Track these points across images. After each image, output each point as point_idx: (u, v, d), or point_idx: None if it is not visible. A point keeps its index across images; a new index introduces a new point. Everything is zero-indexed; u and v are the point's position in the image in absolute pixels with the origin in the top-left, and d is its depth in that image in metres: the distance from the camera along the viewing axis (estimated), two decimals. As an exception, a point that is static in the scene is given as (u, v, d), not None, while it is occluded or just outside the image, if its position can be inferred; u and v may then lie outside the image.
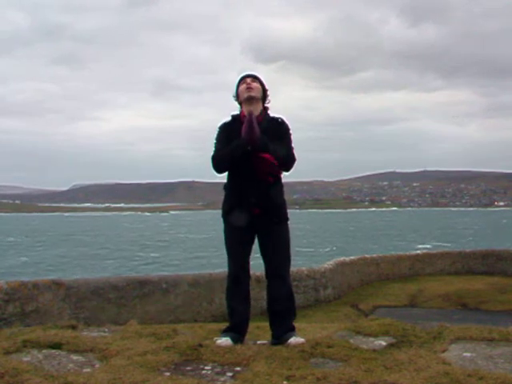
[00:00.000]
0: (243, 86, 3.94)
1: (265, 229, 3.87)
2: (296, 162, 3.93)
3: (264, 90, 4.01)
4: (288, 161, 3.88)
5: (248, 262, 3.94)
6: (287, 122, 3.99)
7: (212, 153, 3.92)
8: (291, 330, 3.87)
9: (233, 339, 3.75)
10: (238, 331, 3.86)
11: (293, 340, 3.72)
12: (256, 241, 3.96)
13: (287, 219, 3.98)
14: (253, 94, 3.91)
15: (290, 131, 3.98)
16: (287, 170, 3.93)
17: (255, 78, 3.99)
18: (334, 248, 55.38)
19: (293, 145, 3.95)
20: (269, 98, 4.04)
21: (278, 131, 3.88)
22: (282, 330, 3.85)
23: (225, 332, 3.86)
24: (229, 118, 4.01)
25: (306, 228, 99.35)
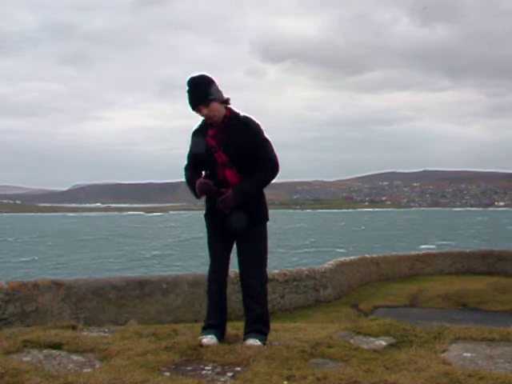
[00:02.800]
0: (202, 115, 3.75)
1: (241, 232, 3.82)
2: (279, 164, 3.83)
3: (218, 96, 3.74)
4: (271, 175, 3.80)
5: (228, 260, 3.93)
6: (256, 121, 3.82)
7: (185, 161, 3.93)
8: (257, 332, 3.79)
9: (217, 336, 3.76)
10: (221, 328, 3.87)
11: (249, 341, 3.71)
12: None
13: (264, 220, 3.91)
14: (215, 119, 3.75)
15: (262, 132, 3.79)
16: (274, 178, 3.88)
17: (205, 105, 3.68)
18: (345, 249, 55.09)
19: (272, 146, 3.80)
20: (226, 96, 3.80)
21: (246, 135, 3.73)
22: (248, 330, 3.83)
23: (207, 329, 3.82)
24: (200, 122, 3.90)
25: (312, 227, 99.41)
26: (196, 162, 3.89)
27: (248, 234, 3.84)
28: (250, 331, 3.80)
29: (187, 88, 3.73)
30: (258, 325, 3.82)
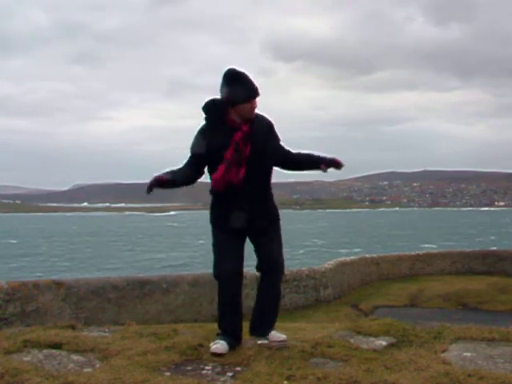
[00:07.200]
0: (249, 108, 3.69)
1: (258, 229, 3.80)
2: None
3: None
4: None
5: (243, 264, 3.85)
6: (269, 118, 3.88)
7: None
8: (272, 328, 3.83)
9: (230, 344, 3.60)
10: (235, 336, 3.72)
11: (277, 335, 3.71)
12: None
13: (279, 219, 3.94)
14: (253, 116, 3.75)
15: (275, 128, 3.87)
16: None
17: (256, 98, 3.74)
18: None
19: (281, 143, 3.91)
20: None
21: (268, 133, 3.80)
22: (265, 325, 3.82)
23: (222, 335, 3.70)
24: (204, 123, 3.76)
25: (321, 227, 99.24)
26: (201, 161, 3.76)
27: (269, 231, 3.82)
28: (271, 328, 3.80)
29: (241, 76, 3.66)
30: (274, 324, 3.87)
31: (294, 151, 3.94)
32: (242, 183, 3.66)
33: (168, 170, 3.77)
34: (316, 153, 3.93)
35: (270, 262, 3.85)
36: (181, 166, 3.81)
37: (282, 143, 3.91)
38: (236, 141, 3.64)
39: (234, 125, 3.68)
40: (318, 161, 3.89)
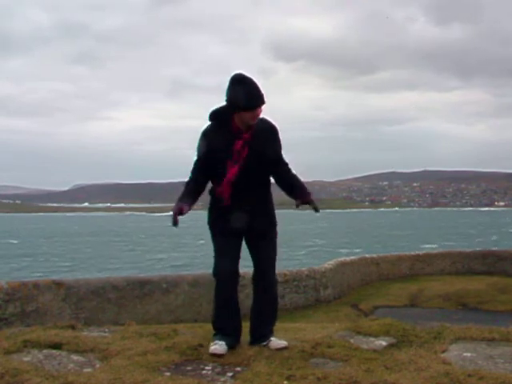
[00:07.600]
0: (251, 116, 3.61)
1: (257, 231, 3.78)
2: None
3: None
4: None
5: (239, 263, 3.84)
6: (274, 123, 3.83)
7: (190, 174, 3.75)
8: (271, 333, 3.78)
9: (229, 344, 3.59)
10: (234, 335, 3.72)
11: (279, 341, 3.65)
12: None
13: (276, 224, 3.91)
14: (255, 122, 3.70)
15: (279, 135, 3.83)
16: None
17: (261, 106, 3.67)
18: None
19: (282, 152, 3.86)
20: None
21: (269, 135, 3.76)
22: (264, 330, 3.76)
23: (220, 335, 3.66)
24: (207, 125, 3.73)
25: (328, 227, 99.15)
26: (206, 167, 3.70)
27: (265, 236, 3.80)
28: (271, 334, 3.76)
29: (246, 82, 3.60)
30: (273, 327, 3.83)
31: (291, 170, 3.86)
32: (241, 184, 3.64)
33: (182, 190, 3.72)
34: (302, 183, 3.84)
35: (266, 268, 3.81)
36: (190, 175, 3.77)
37: (282, 153, 3.83)
38: (237, 150, 3.62)
39: (237, 131, 3.65)
40: (297, 193, 3.78)
